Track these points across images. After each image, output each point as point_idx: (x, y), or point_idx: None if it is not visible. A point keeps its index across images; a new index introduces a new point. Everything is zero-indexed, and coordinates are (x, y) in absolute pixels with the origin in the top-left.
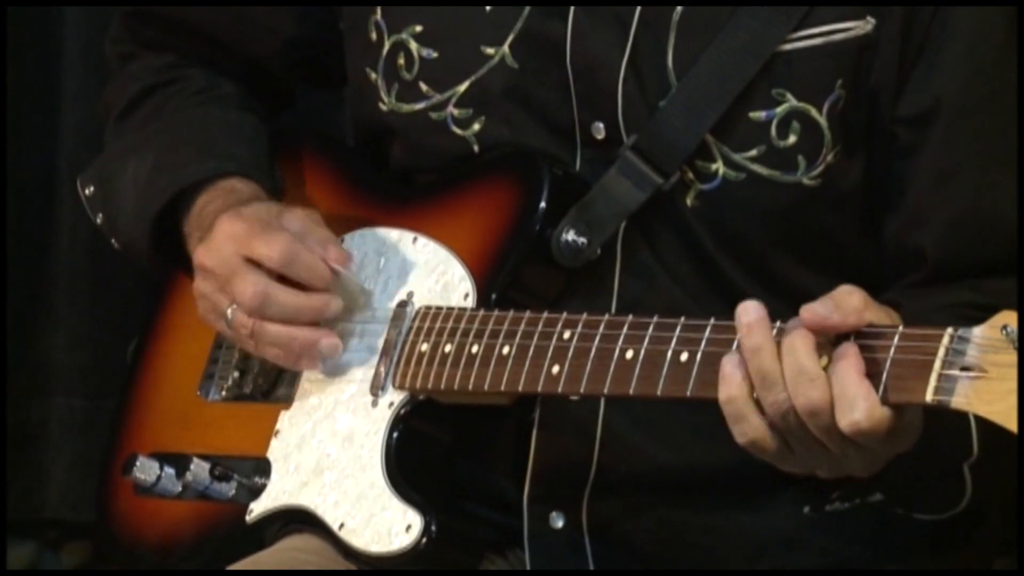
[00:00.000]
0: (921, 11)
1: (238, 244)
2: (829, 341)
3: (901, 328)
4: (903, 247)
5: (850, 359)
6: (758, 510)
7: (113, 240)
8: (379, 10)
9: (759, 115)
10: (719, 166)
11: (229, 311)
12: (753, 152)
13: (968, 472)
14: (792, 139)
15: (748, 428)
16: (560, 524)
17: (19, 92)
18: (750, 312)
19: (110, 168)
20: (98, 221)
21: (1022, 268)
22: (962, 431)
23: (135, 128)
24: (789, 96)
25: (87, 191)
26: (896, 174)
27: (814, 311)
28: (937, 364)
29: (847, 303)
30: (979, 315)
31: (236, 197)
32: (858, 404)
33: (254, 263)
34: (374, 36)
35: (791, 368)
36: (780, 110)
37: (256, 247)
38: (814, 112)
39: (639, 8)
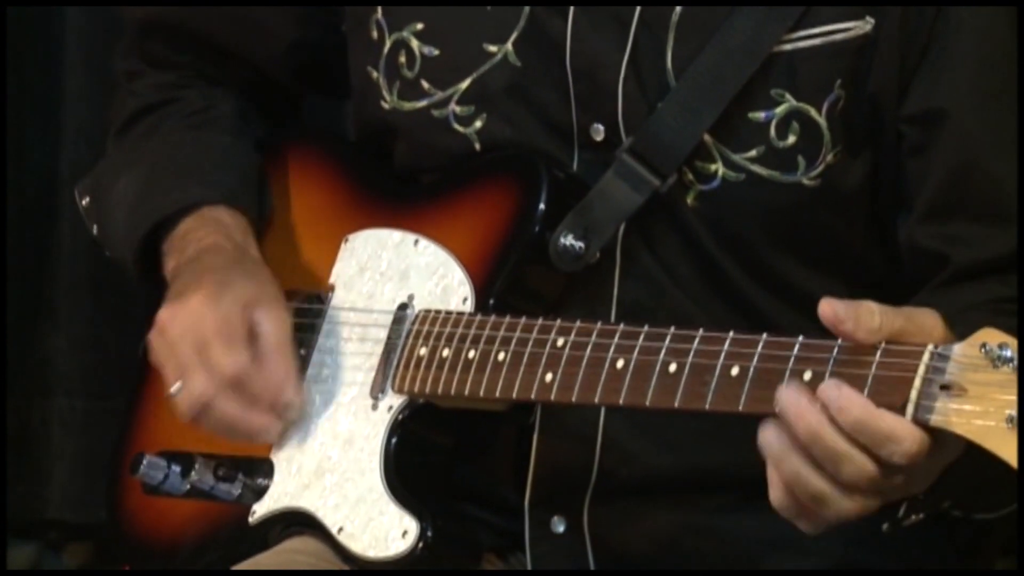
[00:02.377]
0: (923, 9)
1: (199, 335)
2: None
3: (884, 344)
4: (922, 247)
5: (856, 401)
6: (759, 513)
7: (107, 252)
8: (380, 8)
9: (758, 115)
10: (719, 167)
11: (174, 388)
12: (752, 152)
13: None
14: (791, 139)
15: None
16: (561, 529)
17: (20, 93)
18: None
19: (103, 183)
20: (94, 232)
21: (1022, 268)
22: None
23: (130, 146)
24: (788, 96)
25: (84, 201)
26: (909, 173)
27: (834, 309)
28: (917, 382)
29: (866, 320)
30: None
31: (224, 232)
32: (898, 435)
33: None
34: (375, 35)
35: (829, 452)
36: (779, 110)
37: (214, 353)
38: (813, 112)
39: (639, 8)
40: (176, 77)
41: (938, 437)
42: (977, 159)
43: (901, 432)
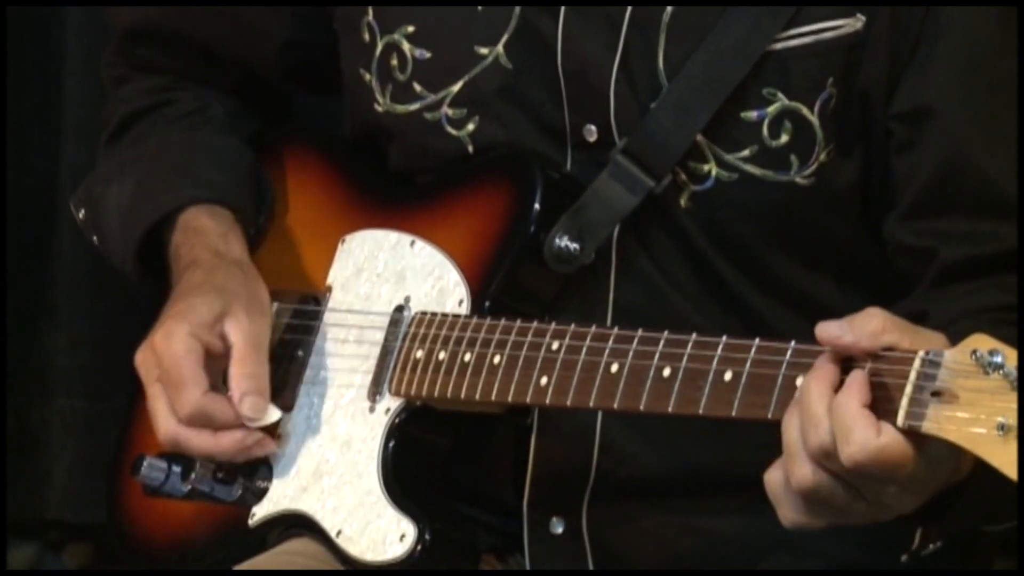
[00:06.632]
0: (913, 6)
1: (158, 376)
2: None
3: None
4: (908, 244)
5: (851, 388)
6: (757, 514)
7: (110, 260)
8: (371, 11)
9: (751, 115)
10: (712, 167)
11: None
12: (745, 152)
13: None
14: (784, 138)
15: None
16: (560, 530)
17: (20, 93)
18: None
19: (96, 192)
20: (95, 241)
21: (1022, 270)
22: None
23: (122, 152)
24: (780, 95)
25: (80, 214)
26: (897, 171)
27: (828, 330)
28: (908, 388)
29: (864, 326)
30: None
31: (204, 243)
32: (852, 436)
33: None
34: (367, 37)
35: (806, 413)
36: (772, 109)
37: (171, 395)
38: (805, 111)
39: (630, 8)
40: (166, 80)
41: (925, 452)
42: (967, 154)
43: (857, 432)
